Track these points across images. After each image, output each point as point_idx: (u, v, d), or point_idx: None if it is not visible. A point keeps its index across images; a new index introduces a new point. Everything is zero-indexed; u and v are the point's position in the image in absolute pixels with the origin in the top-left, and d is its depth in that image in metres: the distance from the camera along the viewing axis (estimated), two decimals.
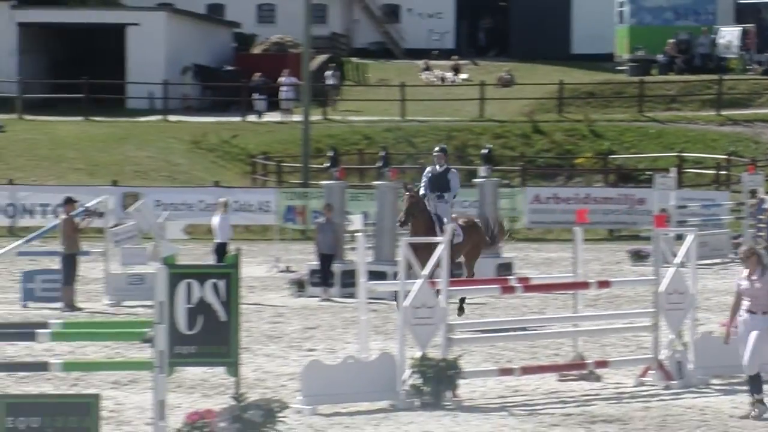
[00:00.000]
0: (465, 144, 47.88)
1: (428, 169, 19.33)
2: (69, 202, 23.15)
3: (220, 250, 24.30)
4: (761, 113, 53.09)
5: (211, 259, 24.60)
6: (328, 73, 55.55)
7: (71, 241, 22.39)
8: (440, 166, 19.24)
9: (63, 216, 23.03)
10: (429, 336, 13.96)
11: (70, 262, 22.23)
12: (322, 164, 34.73)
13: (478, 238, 20.25)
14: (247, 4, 64.22)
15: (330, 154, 27.10)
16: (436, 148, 20.15)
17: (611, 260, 31.87)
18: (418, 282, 14.04)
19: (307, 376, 13.32)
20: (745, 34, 61.67)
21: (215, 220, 24.99)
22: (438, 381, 13.58)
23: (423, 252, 15.31)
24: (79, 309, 21.93)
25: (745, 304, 13.17)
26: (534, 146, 49.05)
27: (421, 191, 19.14)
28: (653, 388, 15.00)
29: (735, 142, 49.95)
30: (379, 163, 27.06)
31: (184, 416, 11.82)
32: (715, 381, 15.26)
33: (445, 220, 18.54)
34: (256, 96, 51.00)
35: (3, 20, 51.67)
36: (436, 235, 16.98)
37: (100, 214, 24.08)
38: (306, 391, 13.29)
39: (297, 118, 45.87)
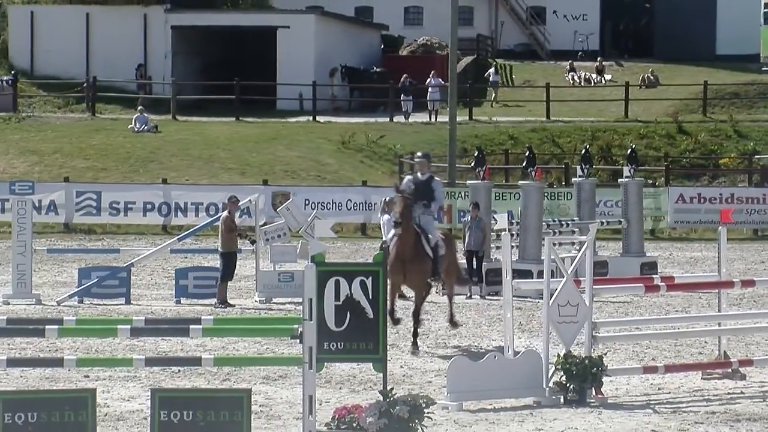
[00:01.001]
0: (609, 144, 48.06)
1: (409, 176, 17.57)
2: (232, 200, 23.49)
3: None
4: None
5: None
6: (491, 71, 58.14)
7: (229, 240, 22.79)
8: (422, 174, 17.29)
9: (224, 213, 23.42)
10: (573, 334, 14.07)
11: (228, 259, 22.64)
12: (468, 164, 34.91)
13: (453, 255, 18.76)
14: (394, 6, 65.04)
15: (476, 154, 27.29)
16: (419, 155, 18.43)
17: (755, 260, 32.06)
18: (563, 280, 14.05)
19: (453, 373, 13.52)
20: None
21: (384, 219, 25.14)
22: (582, 378, 13.70)
23: (412, 266, 15.15)
24: (231, 305, 22.30)
25: None
26: (678, 146, 48.87)
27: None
28: None
29: None
30: (524, 163, 27.46)
31: (332, 411, 12.09)
32: None
33: (429, 234, 16.90)
34: (403, 97, 51.60)
35: (157, 23, 53.03)
36: (423, 248, 16.24)
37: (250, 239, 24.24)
38: (452, 388, 13.50)
39: (443, 118, 46.19)
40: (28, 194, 23.57)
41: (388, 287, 13.95)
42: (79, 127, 47.87)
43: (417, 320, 16.70)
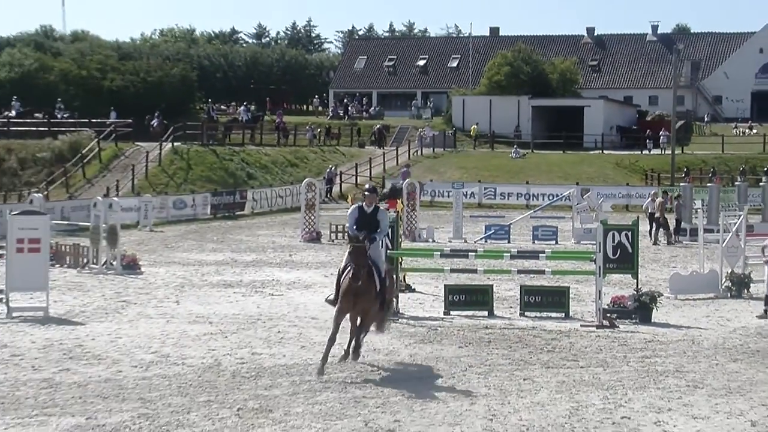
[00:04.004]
0: (756, 165, 65.23)
1: (355, 208, 15.38)
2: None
3: None
4: None
5: None
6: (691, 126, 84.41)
7: None
8: (368, 206, 15.21)
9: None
10: (735, 261, 23.34)
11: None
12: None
13: (391, 292, 16.40)
14: (643, 96, 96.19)
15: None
16: (366, 187, 16.03)
17: None
18: (730, 234, 23.29)
19: (673, 280, 23.12)
20: None
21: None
22: (739, 284, 22.98)
23: (362, 297, 14.29)
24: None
25: None
26: None
27: (350, 231, 15.35)
28: None
29: None
30: (710, 175, 50.06)
31: (610, 298, 19.91)
32: None
33: (381, 265, 15.13)
34: (647, 142, 75.48)
35: (525, 104, 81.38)
36: (374, 281, 14.62)
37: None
38: (672, 287, 22.83)
39: (668, 152, 67.13)
40: (460, 189, 40.44)
41: (335, 313, 14.50)
42: (486, 155, 72.53)
43: (358, 345, 15.04)
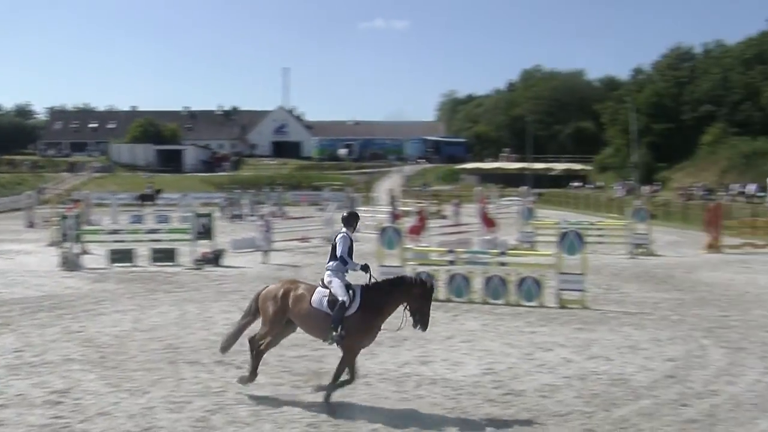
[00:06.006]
0: None
1: (344, 234, 13.70)
2: None
3: None
4: None
5: None
6: None
7: None
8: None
9: None
10: None
11: None
12: None
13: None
14: None
15: None
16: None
17: None
18: None
19: (233, 242, 37.16)
20: None
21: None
22: None
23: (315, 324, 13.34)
24: None
25: None
26: None
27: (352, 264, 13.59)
28: None
29: None
30: None
31: (200, 253, 33.63)
32: None
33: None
34: None
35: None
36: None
37: None
38: (232, 246, 36.70)
39: None
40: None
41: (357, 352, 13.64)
42: None
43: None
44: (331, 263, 13.69)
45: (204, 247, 34.03)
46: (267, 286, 14.32)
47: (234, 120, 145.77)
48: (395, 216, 44.40)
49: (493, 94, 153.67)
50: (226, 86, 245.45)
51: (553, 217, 51.56)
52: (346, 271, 13.63)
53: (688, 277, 30.40)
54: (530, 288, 24.06)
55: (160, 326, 20.44)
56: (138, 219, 50.05)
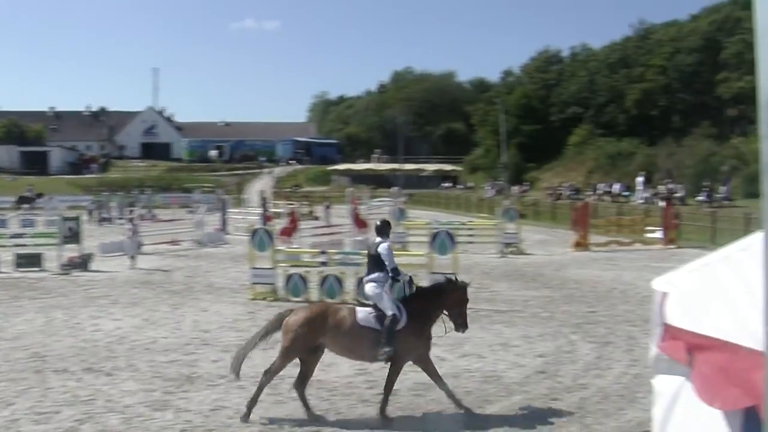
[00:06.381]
0: None
1: (388, 244, 13.47)
2: None
3: None
4: None
5: None
6: None
7: None
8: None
9: None
10: None
11: None
12: None
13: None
14: None
15: None
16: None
17: None
18: None
19: (102, 246, 36.02)
20: None
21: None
22: None
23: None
24: None
25: None
26: None
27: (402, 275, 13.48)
28: None
29: None
30: None
31: (67, 257, 33.01)
32: None
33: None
34: None
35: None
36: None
37: None
38: (101, 249, 35.68)
39: None
40: None
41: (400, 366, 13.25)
42: None
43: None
44: (375, 275, 13.37)
45: (71, 251, 33.38)
46: (292, 311, 13.44)
47: (102, 121, 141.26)
48: (266, 218, 44.57)
49: (365, 95, 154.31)
50: (93, 86, 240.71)
51: (424, 217, 51.85)
52: (392, 284, 13.42)
53: (557, 275, 31.07)
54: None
55: (26, 334, 20.02)
56: (2, 223, 48.51)
